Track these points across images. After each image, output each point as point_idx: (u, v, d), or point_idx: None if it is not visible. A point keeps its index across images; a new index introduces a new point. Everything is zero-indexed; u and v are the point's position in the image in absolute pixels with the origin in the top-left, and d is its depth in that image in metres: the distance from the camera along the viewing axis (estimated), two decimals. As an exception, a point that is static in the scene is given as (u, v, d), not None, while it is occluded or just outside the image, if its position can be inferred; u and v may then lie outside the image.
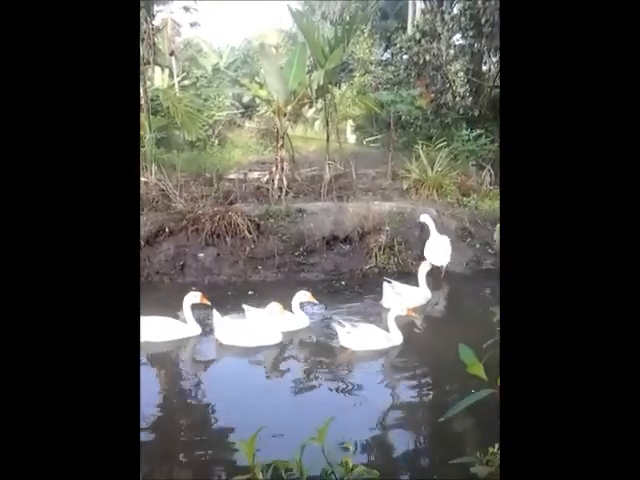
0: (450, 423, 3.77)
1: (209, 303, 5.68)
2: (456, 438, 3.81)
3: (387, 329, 5.36)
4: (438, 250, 7.24)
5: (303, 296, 5.80)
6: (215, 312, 5.51)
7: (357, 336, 5.22)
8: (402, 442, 4.03)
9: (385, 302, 6.27)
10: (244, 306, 5.78)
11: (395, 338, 5.32)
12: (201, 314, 5.85)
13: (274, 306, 5.48)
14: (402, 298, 6.20)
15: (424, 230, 7.51)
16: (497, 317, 1.59)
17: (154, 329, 5.50)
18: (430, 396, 4.69)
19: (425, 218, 7.41)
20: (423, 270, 6.55)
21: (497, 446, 1.54)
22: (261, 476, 1.49)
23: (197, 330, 5.66)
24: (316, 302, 5.94)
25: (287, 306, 5.70)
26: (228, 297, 6.63)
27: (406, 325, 5.65)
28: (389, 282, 6.38)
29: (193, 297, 5.66)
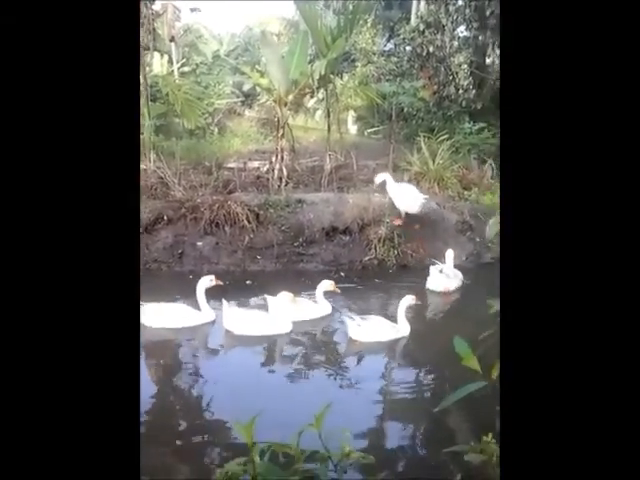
0: (445, 413, 3.78)
1: (221, 283, 5.73)
2: (451, 427, 3.81)
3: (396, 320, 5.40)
4: (406, 198, 7.49)
5: (328, 285, 5.87)
6: (224, 302, 5.48)
7: (367, 329, 5.22)
8: (399, 430, 4.07)
9: (430, 284, 6.65)
10: (266, 296, 5.70)
11: (403, 329, 5.34)
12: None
13: (285, 295, 5.47)
14: (447, 279, 6.60)
15: (383, 189, 7.64)
16: (494, 309, 1.59)
17: (168, 316, 5.48)
18: (429, 387, 4.68)
19: (384, 176, 7.63)
20: (450, 255, 6.82)
21: (490, 435, 1.57)
22: (259, 459, 1.48)
23: (211, 316, 5.62)
24: (339, 291, 5.99)
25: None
26: (226, 286, 6.55)
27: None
28: (435, 263, 6.72)
29: (208, 281, 5.63)
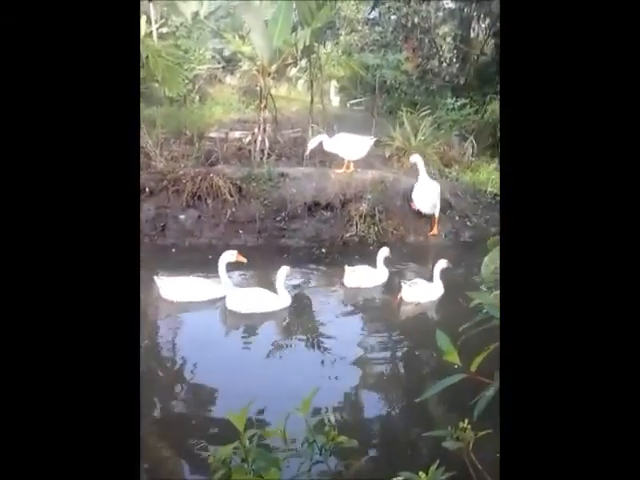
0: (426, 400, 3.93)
1: (245, 260, 5.75)
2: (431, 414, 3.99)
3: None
4: (350, 144, 7.72)
5: (387, 252, 6.25)
6: (227, 282, 5.57)
7: (416, 291, 5.66)
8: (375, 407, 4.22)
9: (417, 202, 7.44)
10: (285, 266, 5.67)
11: (438, 290, 5.79)
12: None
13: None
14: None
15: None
16: (474, 302, 1.66)
17: (187, 289, 5.55)
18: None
19: (320, 137, 7.78)
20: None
21: (467, 421, 1.63)
22: (248, 444, 1.55)
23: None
24: (390, 256, 6.32)
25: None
26: (209, 261, 6.60)
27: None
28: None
29: (229, 256, 5.69)
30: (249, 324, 5.34)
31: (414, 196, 7.53)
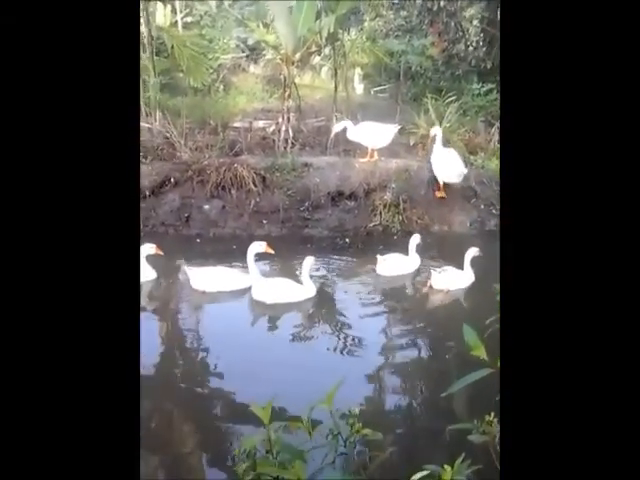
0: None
1: (273, 252, 5.76)
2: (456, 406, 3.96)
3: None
4: (374, 133, 7.73)
5: (419, 238, 6.25)
6: (256, 272, 5.61)
7: (445, 277, 5.70)
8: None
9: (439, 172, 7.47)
10: (310, 256, 5.68)
11: (468, 277, 5.79)
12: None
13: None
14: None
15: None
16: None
17: (217, 279, 5.61)
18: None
19: (344, 123, 7.86)
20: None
21: (492, 414, 1.61)
22: (273, 436, 1.57)
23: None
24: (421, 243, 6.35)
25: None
26: (233, 251, 6.66)
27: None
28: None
29: (258, 246, 5.71)
30: (274, 315, 5.37)
31: (435, 168, 7.48)
